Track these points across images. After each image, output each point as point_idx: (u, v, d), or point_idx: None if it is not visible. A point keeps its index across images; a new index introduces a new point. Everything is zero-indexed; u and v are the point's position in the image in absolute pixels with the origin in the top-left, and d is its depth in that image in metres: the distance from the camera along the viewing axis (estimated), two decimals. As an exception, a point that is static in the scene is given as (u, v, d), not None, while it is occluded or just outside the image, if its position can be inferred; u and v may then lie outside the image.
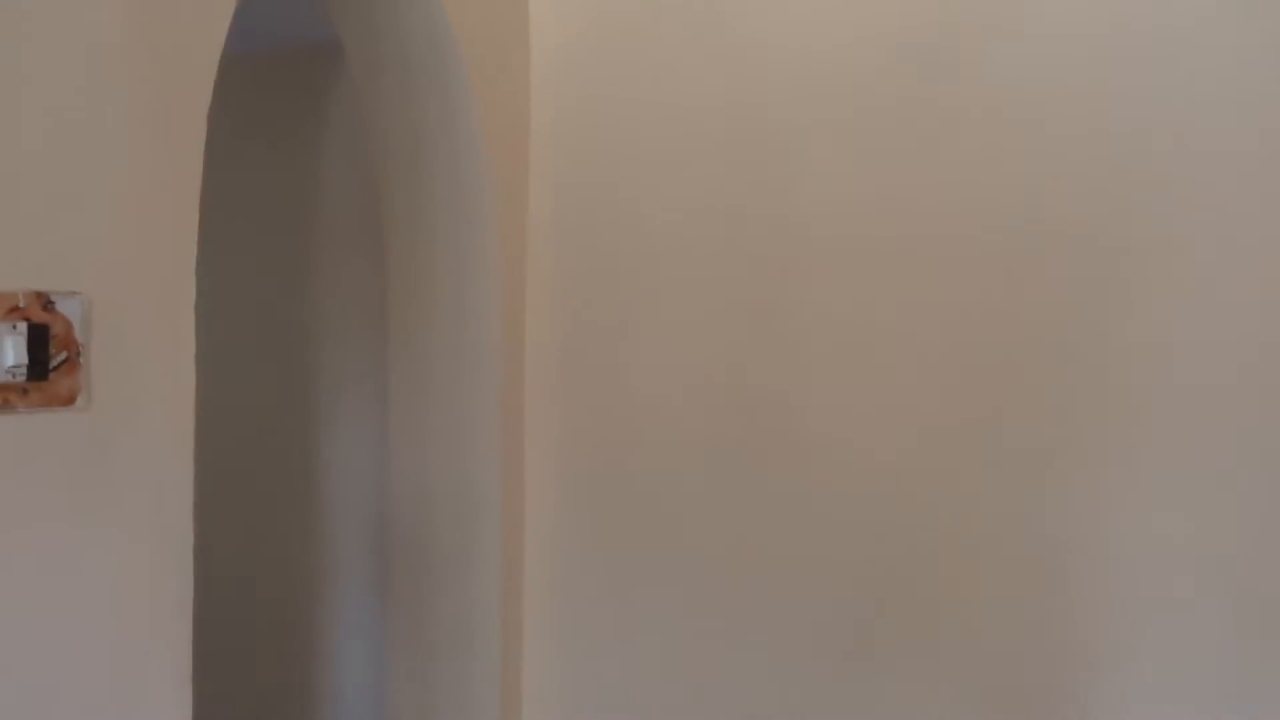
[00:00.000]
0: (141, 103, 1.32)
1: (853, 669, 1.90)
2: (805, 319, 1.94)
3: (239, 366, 2.68)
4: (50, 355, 1.17)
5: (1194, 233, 1.70)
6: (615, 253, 2.11)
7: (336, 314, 2.61)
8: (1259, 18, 1.65)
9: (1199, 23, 1.69)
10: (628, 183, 2.11)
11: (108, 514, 1.28)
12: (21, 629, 1.18)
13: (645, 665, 2.06)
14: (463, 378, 2.15)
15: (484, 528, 2.12)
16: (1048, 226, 1.78)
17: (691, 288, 2.03)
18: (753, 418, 1.99)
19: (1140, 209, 1.73)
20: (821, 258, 1.92)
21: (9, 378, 1.14)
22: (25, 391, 1.15)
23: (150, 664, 1.35)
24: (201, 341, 2.63)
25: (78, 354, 1.20)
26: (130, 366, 1.30)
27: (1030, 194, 1.78)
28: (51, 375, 1.17)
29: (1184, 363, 1.71)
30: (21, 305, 1.15)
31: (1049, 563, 1.78)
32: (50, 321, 1.18)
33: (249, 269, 2.70)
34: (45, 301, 1.18)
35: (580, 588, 2.16)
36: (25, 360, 1.15)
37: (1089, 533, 1.76)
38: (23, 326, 1.15)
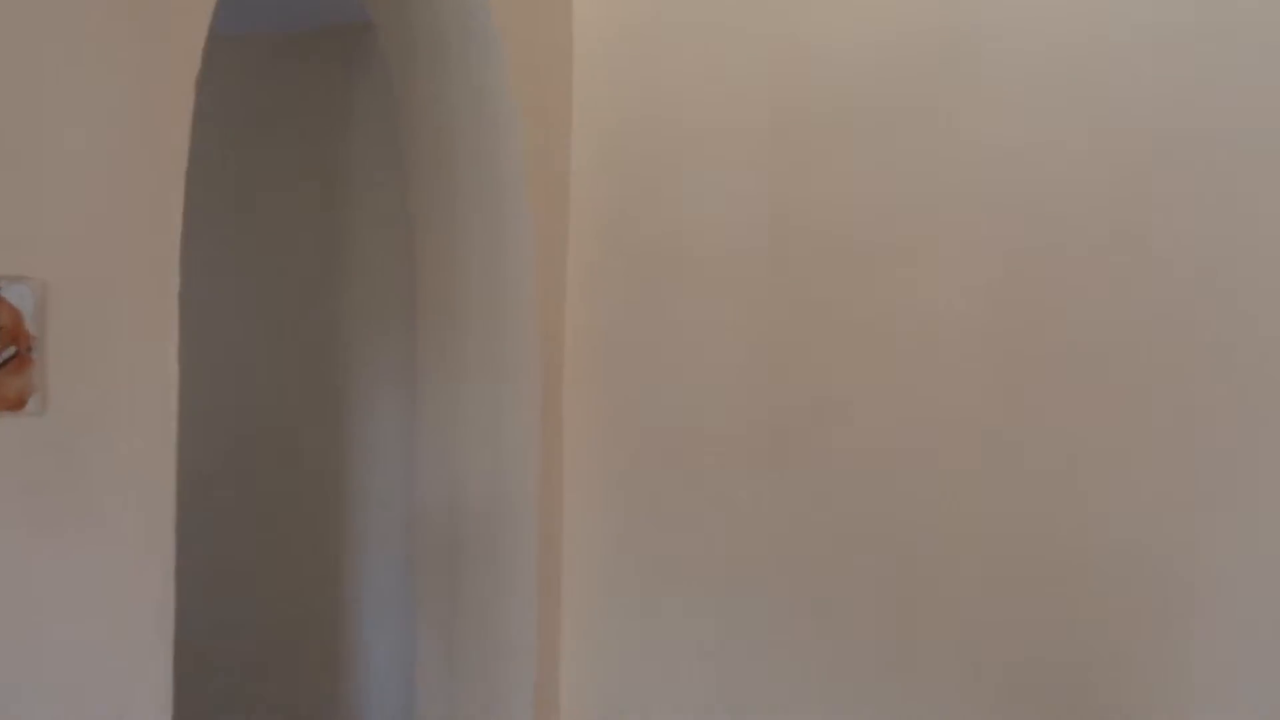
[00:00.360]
0: (114, 77, 1.19)
1: (892, 675, 1.84)
2: (850, 316, 1.86)
3: (263, 363, 2.58)
4: (-7, 350, 1.04)
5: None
6: (659, 246, 2.02)
7: (364, 306, 2.50)
8: None
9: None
10: (670, 175, 2.01)
11: (74, 524, 1.17)
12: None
13: (684, 669, 1.98)
14: (497, 373, 2.04)
15: (518, 528, 2.02)
16: (1107, 224, 1.70)
17: (735, 284, 1.94)
18: (795, 418, 1.90)
19: (1215, 208, 1.64)
20: (867, 254, 1.85)
21: (-57, 378, 1.00)
22: (-36, 392, 1.02)
23: (129, 680, 1.25)
24: (224, 337, 2.54)
25: (29, 349, 1.08)
26: (98, 363, 1.18)
27: (1086, 193, 1.70)
28: (-2, 373, 1.04)
29: (1252, 364, 1.64)
30: (-44, 293, 1.02)
31: (1115, 570, 1.69)
32: (-8, 311, 1.04)
33: (274, 259, 2.59)
34: (-15, 288, 1.03)
35: (620, 589, 2.07)
36: (-39, 357, 1.02)
37: (1159, 538, 1.68)
38: (-42, 318, 1.01)
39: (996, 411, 1.77)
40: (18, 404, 1.06)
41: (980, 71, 1.78)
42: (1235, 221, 1.63)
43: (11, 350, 1.05)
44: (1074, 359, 1.72)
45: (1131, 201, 1.69)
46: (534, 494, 2.02)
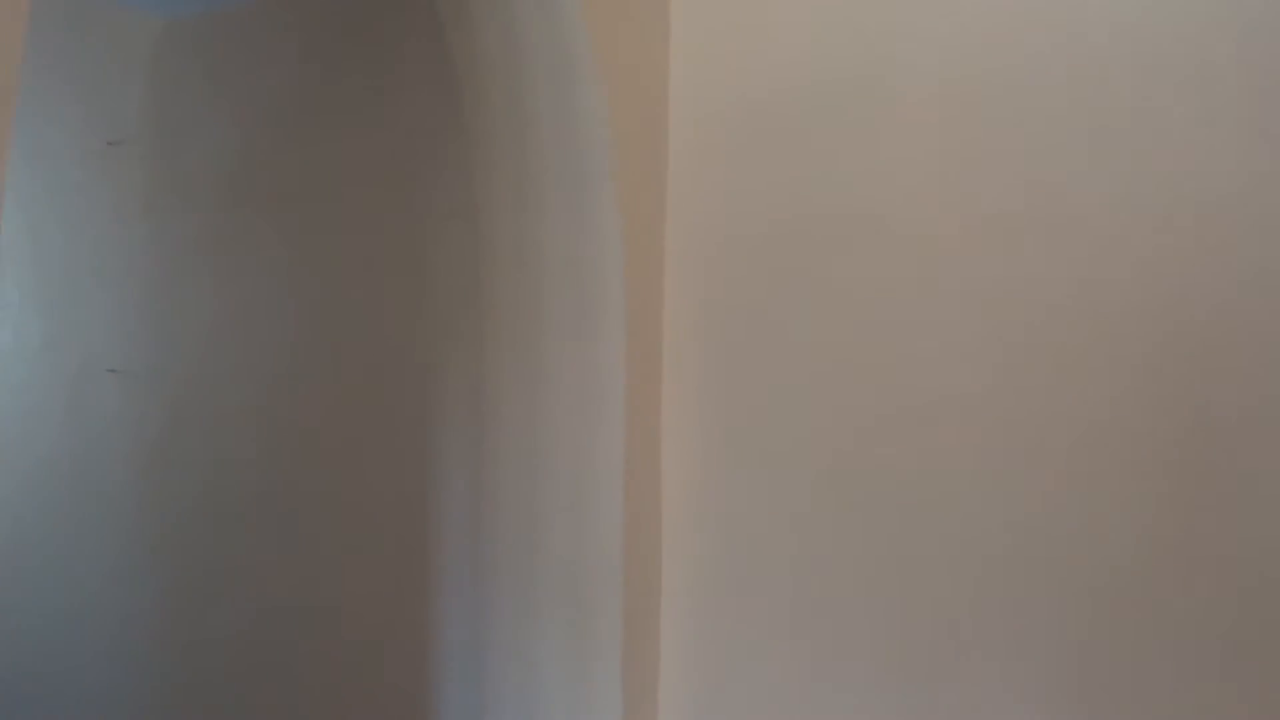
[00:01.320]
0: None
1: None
2: (961, 334, 1.64)
3: (312, 370, 2.31)
4: None
5: None
6: (773, 242, 1.79)
7: (432, 310, 2.20)
8: None
9: None
10: (786, 160, 1.77)
11: None
12: None
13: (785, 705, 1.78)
14: (581, 389, 1.81)
15: (605, 573, 1.78)
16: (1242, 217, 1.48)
17: (840, 294, 1.73)
18: (902, 441, 1.67)
19: None
20: (980, 265, 1.63)
21: None
22: None
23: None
24: (282, 343, 2.32)
25: None
26: None
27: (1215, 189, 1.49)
28: None
29: None
30: None
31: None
32: None
33: (331, 261, 2.30)
34: None
35: (721, 621, 1.82)
36: None
37: None
38: None
39: (1138, 431, 1.50)
40: None
41: (1110, 62, 1.54)
42: None
43: None
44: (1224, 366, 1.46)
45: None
46: (619, 511, 1.80)
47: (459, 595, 2.14)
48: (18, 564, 2.82)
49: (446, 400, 2.16)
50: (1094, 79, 1.58)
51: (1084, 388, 1.56)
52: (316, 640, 2.31)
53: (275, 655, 2.35)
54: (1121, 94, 1.56)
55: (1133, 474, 1.53)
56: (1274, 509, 1.44)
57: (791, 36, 1.80)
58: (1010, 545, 1.60)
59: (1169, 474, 1.51)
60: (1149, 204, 1.54)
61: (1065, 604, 1.56)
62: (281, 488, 2.34)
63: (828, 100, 1.76)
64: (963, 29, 1.66)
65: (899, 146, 1.71)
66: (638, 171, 1.85)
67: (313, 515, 2.31)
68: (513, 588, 1.89)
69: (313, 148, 2.31)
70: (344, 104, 2.27)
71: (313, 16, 2.33)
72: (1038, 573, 1.58)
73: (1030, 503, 1.59)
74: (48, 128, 2.74)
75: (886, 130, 1.72)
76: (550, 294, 1.87)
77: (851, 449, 1.73)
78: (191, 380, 2.48)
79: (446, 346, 2.16)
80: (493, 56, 1.83)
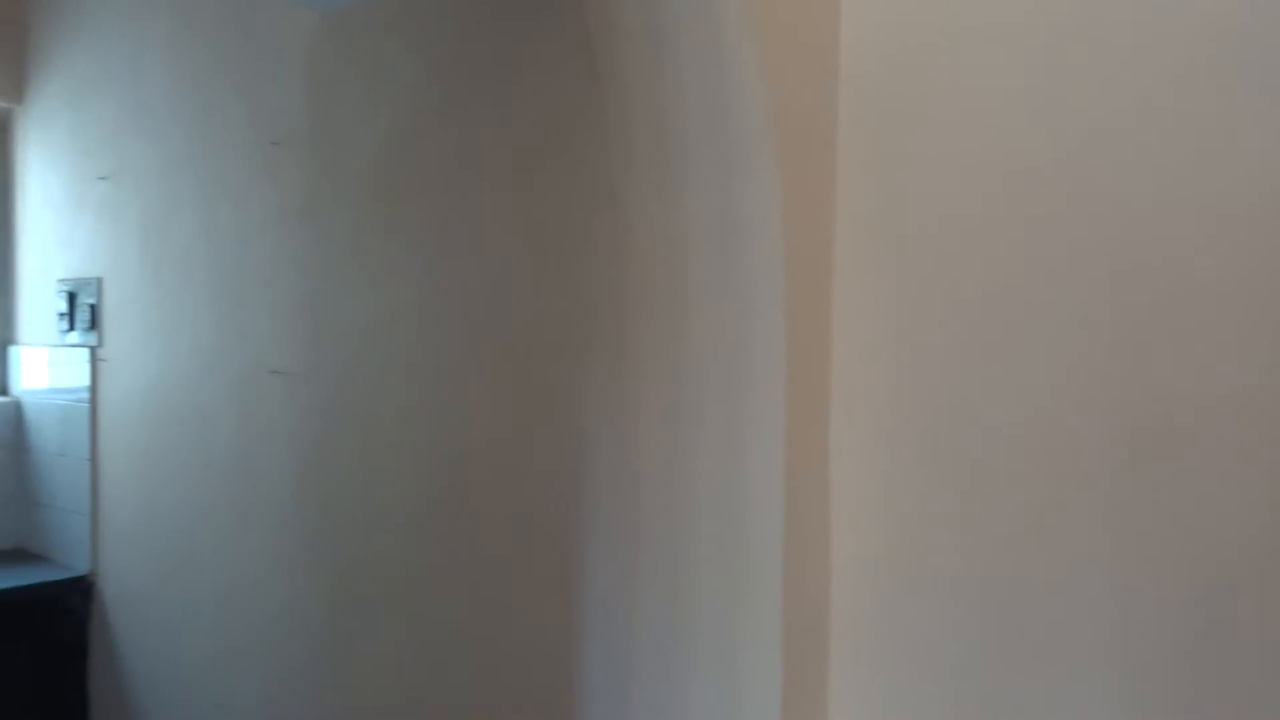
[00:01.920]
0: None
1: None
2: (1187, 325, 1.32)
3: (461, 368, 2.18)
4: None
5: None
6: (952, 233, 1.53)
7: (573, 298, 2.02)
8: None
9: None
10: (972, 143, 1.49)
11: None
12: None
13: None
14: (732, 395, 1.60)
15: (760, 562, 1.58)
16: None
17: (1045, 286, 1.42)
18: (1146, 438, 1.35)
19: None
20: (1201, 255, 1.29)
21: None
22: None
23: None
24: (412, 345, 2.25)
25: None
26: None
27: None
28: None
29: None
30: None
31: None
32: None
33: (463, 253, 2.15)
34: None
35: (904, 636, 1.57)
36: None
37: None
38: None
39: None
40: None
41: None
42: None
43: None
44: None
45: None
46: (780, 537, 1.56)
47: (601, 609, 1.96)
48: (193, 556, 2.89)
49: (590, 400, 1.99)
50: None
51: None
52: (460, 651, 2.19)
53: (419, 658, 2.26)
54: None
55: None
56: None
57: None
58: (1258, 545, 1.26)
59: None
60: None
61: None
62: (426, 491, 2.24)
63: (1042, 43, 1.46)
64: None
65: (1141, 99, 1.38)
66: (798, 143, 1.62)
67: (458, 519, 2.20)
68: (658, 602, 1.70)
69: (462, 139, 2.20)
70: (492, 91, 2.15)
71: (461, 2, 2.23)
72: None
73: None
74: (218, 130, 2.79)
75: (1124, 81, 1.40)
76: (696, 286, 1.66)
77: (1074, 453, 1.42)
78: (346, 381, 2.43)
79: (592, 345, 1.99)
80: (630, 23, 1.65)
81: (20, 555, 3.57)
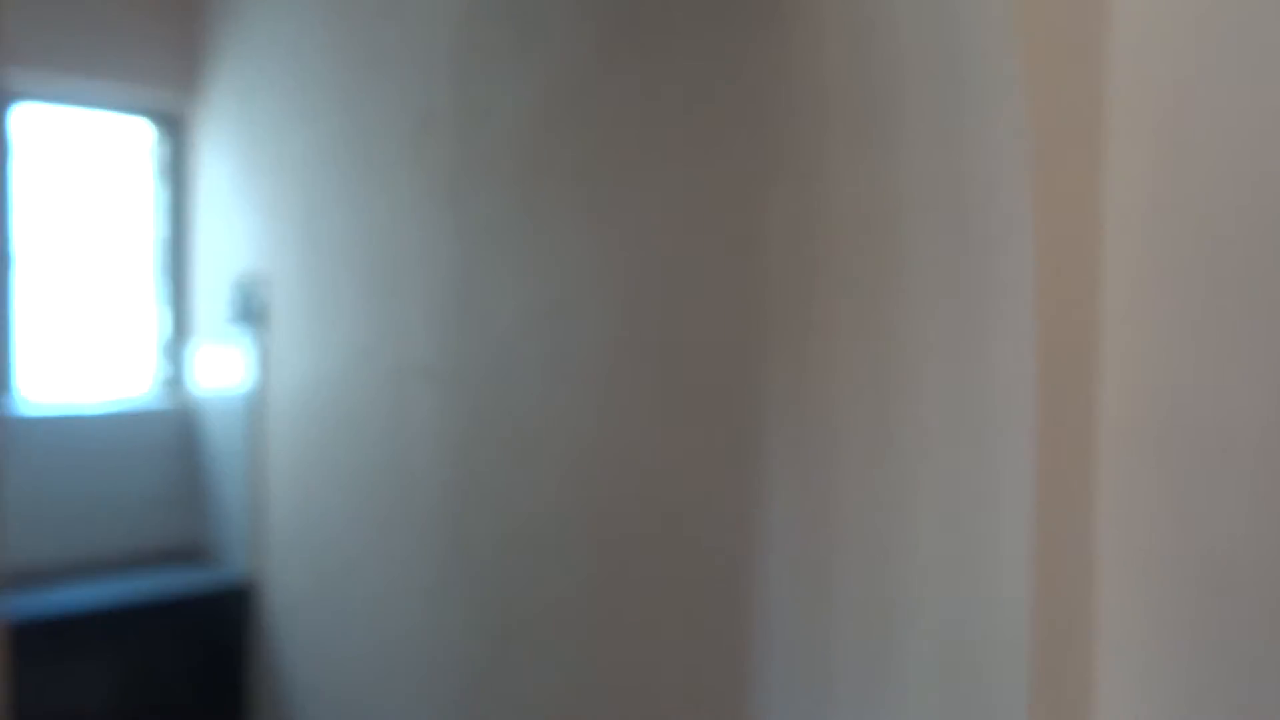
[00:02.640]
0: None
1: None
2: None
3: (621, 367, 1.89)
4: None
5: None
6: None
7: (750, 289, 1.68)
8: None
9: None
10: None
11: None
12: None
13: None
14: (961, 374, 1.25)
15: (1000, 618, 1.24)
16: None
17: None
18: None
19: None
20: None
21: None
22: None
23: None
24: (576, 353, 1.93)
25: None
26: None
27: None
28: None
29: None
30: None
31: None
32: None
33: (632, 249, 1.84)
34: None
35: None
36: None
37: None
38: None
39: None
40: None
41: None
42: None
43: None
44: None
45: None
46: (1030, 586, 1.22)
47: (783, 635, 1.59)
48: (346, 563, 2.72)
49: (769, 405, 1.62)
50: None
51: None
52: (614, 680, 1.88)
53: (568, 677, 1.96)
54: None
55: None
56: None
57: None
58: None
59: None
60: None
61: None
62: (578, 505, 1.94)
63: None
64: None
65: None
66: (1054, 70, 1.20)
67: (614, 534, 1.88)
68: (861, 661, 1.33)
69: (620, 106, 1.88)
70: (653, 47, 1.82)
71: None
72: None
73: None
74: (369, 115, 2.60)
75: None
76: (912, 271, 1.29)
77: None
78: (493, 381, 2.17)
79: (771, 341, 1.62)
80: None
81: (189, 554, 3.55)
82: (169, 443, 3.58)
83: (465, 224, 2.25)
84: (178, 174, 3.69)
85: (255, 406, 3.17)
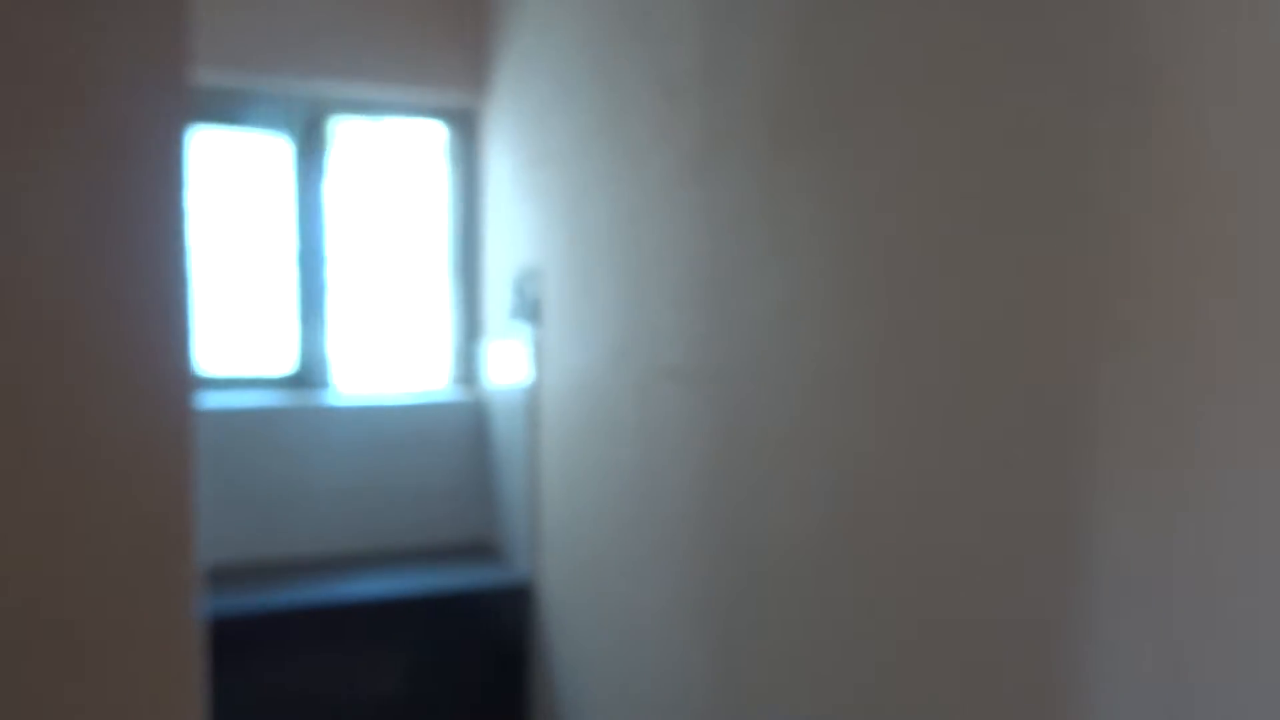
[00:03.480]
0: None
1: None
2: None
3: (894, 372, 1.53)
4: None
5: None
6: None
7: (1064, 279, 1.27)
8: None
9: None
10: None
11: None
12: None
13: None
14: None
15: None
16: None
17: None
18: None
19: None
20: None
21: None
22: None
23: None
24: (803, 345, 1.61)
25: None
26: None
27: None
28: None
29: None
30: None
31: None
32: None
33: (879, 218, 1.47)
34: None
35: None
36: None
37: None
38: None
39: None
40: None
41: None
42: None
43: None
44: None
45: None
46: None
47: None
48: (604, 572, 2.56)
49: (1101, 421, 1.19)
50: None
51: None
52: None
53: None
54: None
55: None
56: None
57: None
58: None
59: None
60: None
61: None
62: (840, 540, 1.60)
63: None
64: None
65: None
66: None
67: (881, 551, 1.52)
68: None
69: (895, 40, 1.51)
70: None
71: None
72: None
73: None
74: (619, 93, 2.39)
75: None
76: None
77: None
78: (746, 384, 1.88)
79: (1103, 336, 1.19)
80: None
81: (478, 551, 3.59)
82: (463, 437, 3.65)
83: (713, 204, 1.97)
84: (468, 172, 3.75)
85: (532, 404, 3.11)
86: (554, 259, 2.92)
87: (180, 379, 1.30)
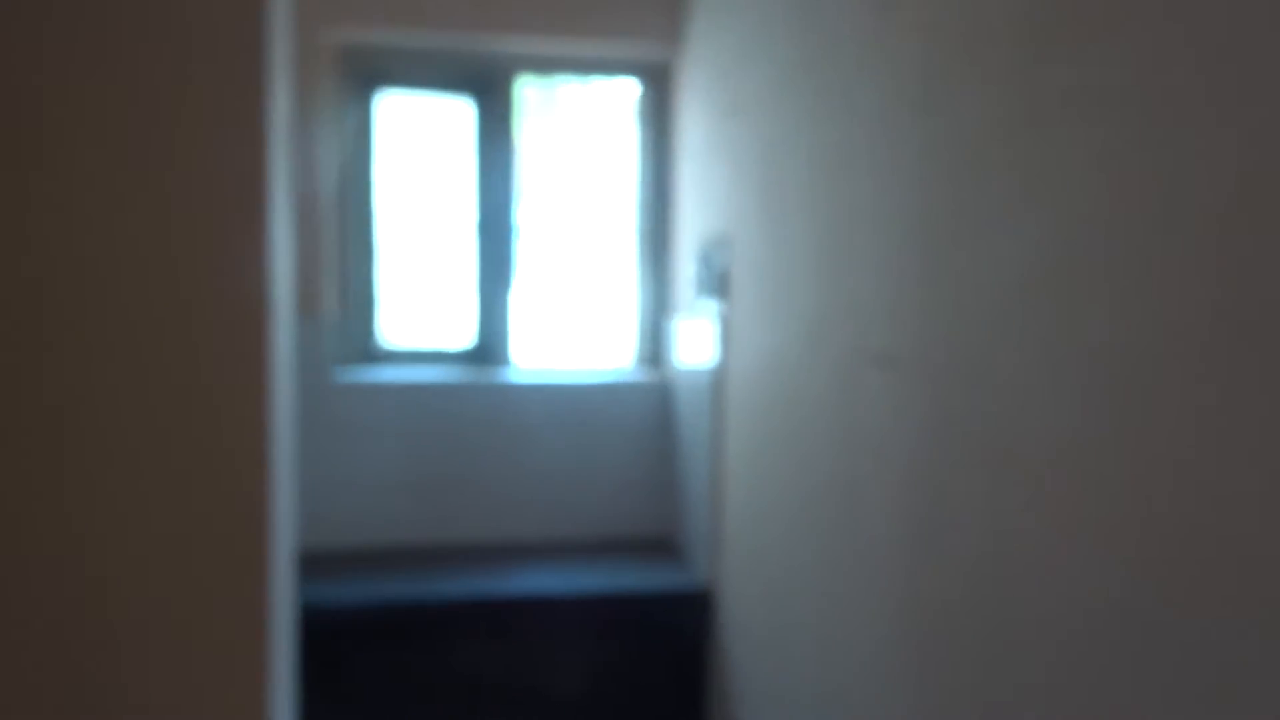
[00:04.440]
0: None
1: None
2: None
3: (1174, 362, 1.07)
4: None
5: None
6: None
7: None
8: None
9: None
10: None
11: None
12: None
13: None
14: None
15: None
16: None
17: None
18: None
19: None
20: None
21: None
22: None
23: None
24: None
25: None
26: None
27: None
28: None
29: None
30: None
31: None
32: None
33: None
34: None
35: None
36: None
37: None
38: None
39: None
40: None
41: None
42: None
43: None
44: None
45: None
46: None
47: None
48: (792, 580, 2.18)
49: None
50: None
51: None
52: None
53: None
54: None
55: None
56: None
57: None
58: None
59: None
60: None
61: None
62: (1104, 579, 1.15)
63: None
64: None
65: None
66: None
67: (1163, 631, 1.07)
68: None
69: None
70: None
71: None
72: None
73: None
74: (824, 20, 1.98)
75: None
76: None
77: None
78: (972, 378, 1.45)
79: None
80: None
81: (657, 548, 3.29)
82: (647, 422, 3.36)
83: (939, 144, 1.54)
84: (660, 133, 3.43)
85: (717, 390, 2.77)
86: (744, 224, 2.55)
87: (258, 365, 1.14)
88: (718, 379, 2.76)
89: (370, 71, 3.23)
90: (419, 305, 3.36)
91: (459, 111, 3.33)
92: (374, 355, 3.32)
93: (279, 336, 1.18)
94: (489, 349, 3.39)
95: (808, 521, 2.08)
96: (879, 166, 1.74)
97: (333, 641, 2.76)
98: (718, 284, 2.76)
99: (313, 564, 2.98)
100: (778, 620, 2.30)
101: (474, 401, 3.24)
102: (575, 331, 3.48)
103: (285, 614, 1.26)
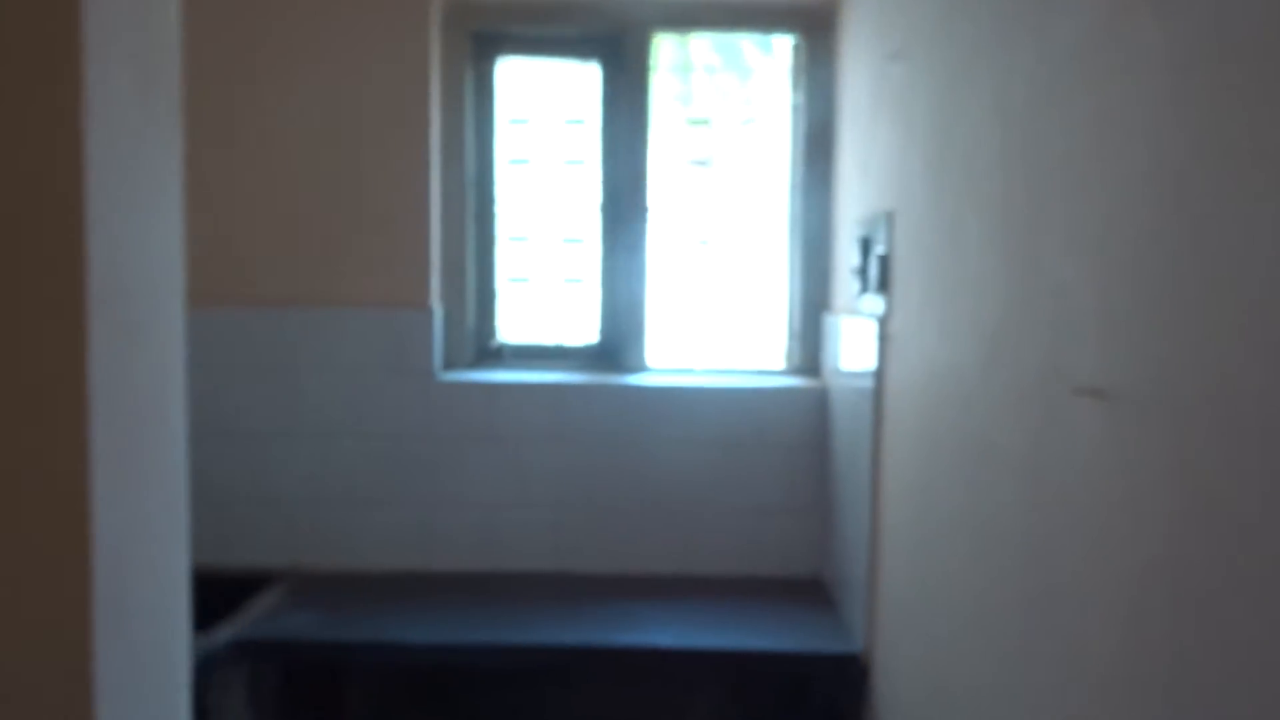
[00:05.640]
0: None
1: None
2: None
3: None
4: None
5: None
6: None
7: None
8: None
9: None
10: None
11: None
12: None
13: None
14: None
15: None
16: None
17: None
18: None
19: None
20: None
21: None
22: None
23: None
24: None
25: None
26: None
27: None
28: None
29: None
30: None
31: None
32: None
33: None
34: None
35: None
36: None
37: None
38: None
39: None
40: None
41: None
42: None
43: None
44: None
45: None
46: None
47: None
48: (966, 651, 1.63)
49: None
50: None
51: None
52: None
53: None
54: None
55: None
56: None
57: None
58: None
59: None
60: None
61: None
62: None
63: None
64: None
65: None
66: None
67: None
68: None
69: None
70: None
71: None
72: None
73: None
74: None
75: None
76: None
77: None
78: (1225, 403, 0.89)
79: None
80: None
81: (806, 591, 2.77)
82: (798, 437, 2.85)
83: (1193, 64, 0.98)
84: (819, 96, 2.89)
85: (876, 407, 2.23)
86: (910, 198, 2.00)
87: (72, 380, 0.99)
88: (877, 394, 2.22)
89: (487, 37, 2.88)
90: (537, 297, 2.99)
91: (584, 78, 2.92)
92: (487, 354, 2.98)
93: (114, 345, 1.01)
94: (613, 347, 2.97)
95: (990, 584, 1.53)
96: (1092, 106, 1.18)
97: (446, 686, 2.43)
98: (878, 276, 2.22)
99: (413, 587, 2.67)
100: (943, 697, 1.75)
101: (593, 405, 2.83)
102: (716, 328, 3.01)
103: (132, 663, 1.08)
